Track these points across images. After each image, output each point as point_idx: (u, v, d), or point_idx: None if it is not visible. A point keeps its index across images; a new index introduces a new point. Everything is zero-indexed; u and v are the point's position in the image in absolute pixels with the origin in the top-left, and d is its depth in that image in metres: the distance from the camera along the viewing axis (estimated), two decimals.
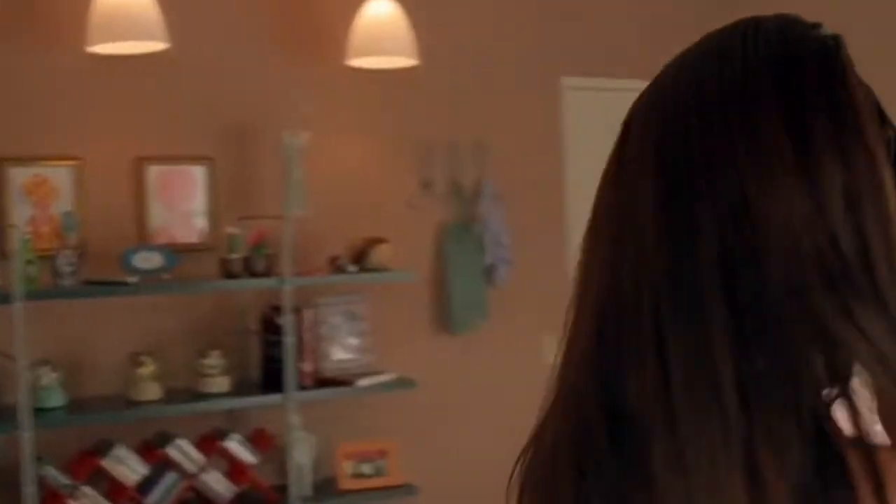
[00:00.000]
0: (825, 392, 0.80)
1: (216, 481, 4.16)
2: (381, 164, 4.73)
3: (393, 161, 4.75)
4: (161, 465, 4.05)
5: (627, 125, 0.93)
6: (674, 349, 0.81)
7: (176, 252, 4.12)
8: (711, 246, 0.81)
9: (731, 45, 0.87)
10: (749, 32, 0.87)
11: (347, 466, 4.39)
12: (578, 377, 0.88)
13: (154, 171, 4.26)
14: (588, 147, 5.19)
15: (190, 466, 4.09)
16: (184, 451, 4.08)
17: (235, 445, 4.18)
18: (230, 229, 4.17)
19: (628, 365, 0.84)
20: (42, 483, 3.80)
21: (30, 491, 3.72)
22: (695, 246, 0.81)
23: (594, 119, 5.24)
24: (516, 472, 0.94)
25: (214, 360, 4.18)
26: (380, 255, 4.36)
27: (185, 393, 4.20)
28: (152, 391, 4.06)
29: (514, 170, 4.97)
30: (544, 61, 5.10)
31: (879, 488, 0.78)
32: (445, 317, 4.81)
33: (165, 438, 4.08)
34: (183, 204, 4.33)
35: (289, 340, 4.17)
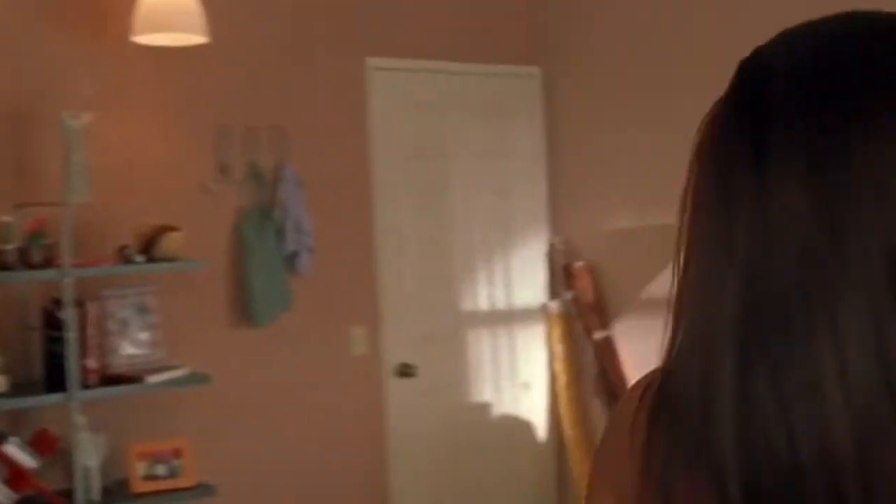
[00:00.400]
0: None
1: None
2: (173, 147, 4.48)
3: (186, 144, 4.50)
4: None
5: (764, 123, 0.93)
6: (852, 337, 0.85)
7: None
8: (880, 252, 0.85)
9: (882, 50, 0.90)
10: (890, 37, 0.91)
11: (140, 468, 4.16)
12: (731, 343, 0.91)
13: None
14: (395, 129, 5.07)
15: None
16: None
17: (14, 449, 3.89)
18: (3, 217, 3.88)
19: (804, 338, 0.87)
20: None
21: None
22: (866, 248, 0.86)
23: (401, 100, 5.10)
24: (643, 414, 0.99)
25: None
26: (170, 243, 4.12)
27: None
28: None
29: (316, 153, 4.79)
30: (348, 41, 4.93)
31: None
32: (245, 308, 4.59)
33: None
34: None
35: (71, 336, 3.91)
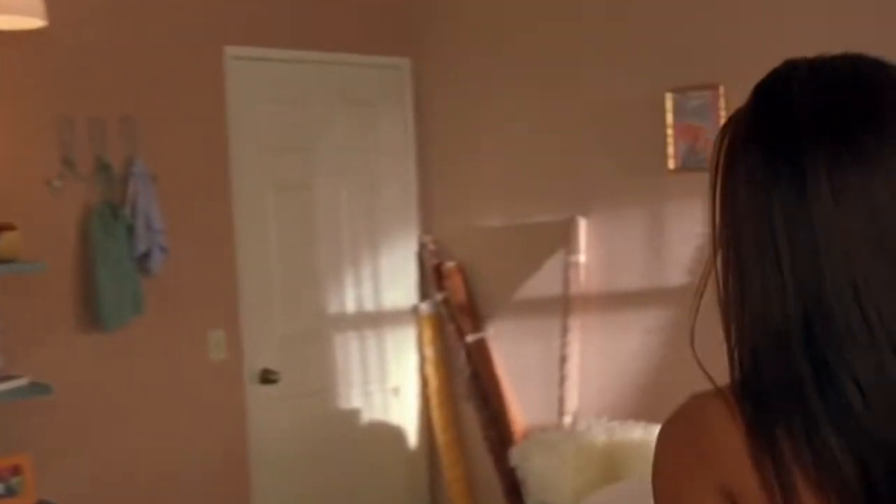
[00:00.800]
0: None
1: None
2: (10, 139, 4.14)
3: (25, 136, 4.16)
4: None
5: (795, 147, 1.05)
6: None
7: None
8: None
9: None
10: None
11: None
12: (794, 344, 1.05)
13: None
14: (255, 121, 4.81)
15: None
16: None
17: None
18: None
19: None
20: None
21: None
22: None
23: (262, 91, 4.85)
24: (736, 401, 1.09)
25: None
26: (6, 243, 3.80)
27: None
28: None
29: (169, 147, 4.50)
30: (205, 27, 4.65)
31: None
32: (93, 312, 4.27)
33: None
34: None
35: None
